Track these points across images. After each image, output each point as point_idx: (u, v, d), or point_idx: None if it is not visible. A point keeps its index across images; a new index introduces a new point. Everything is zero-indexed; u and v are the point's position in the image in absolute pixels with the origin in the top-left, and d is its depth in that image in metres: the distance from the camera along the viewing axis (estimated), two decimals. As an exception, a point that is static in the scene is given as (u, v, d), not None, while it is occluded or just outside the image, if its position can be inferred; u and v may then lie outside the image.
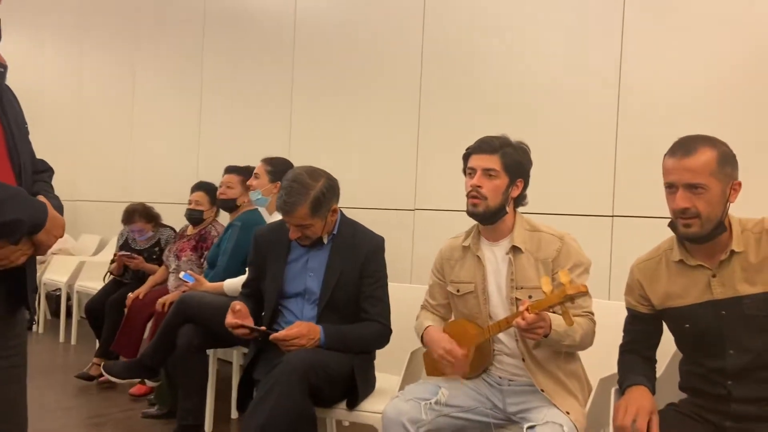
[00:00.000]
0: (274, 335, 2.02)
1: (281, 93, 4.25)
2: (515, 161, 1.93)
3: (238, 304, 2.11)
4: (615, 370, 1.94)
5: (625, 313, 1.93)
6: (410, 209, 3.45)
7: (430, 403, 1.86)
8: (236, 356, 3.45)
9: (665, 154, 1.68)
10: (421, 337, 2.06)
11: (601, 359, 2.04)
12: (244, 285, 2.39)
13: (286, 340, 2.01)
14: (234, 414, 3.32)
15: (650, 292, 1.79)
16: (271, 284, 2.22)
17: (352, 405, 2.10)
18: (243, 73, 4.60)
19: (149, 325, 3.66)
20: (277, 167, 3.07)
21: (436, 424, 1.86)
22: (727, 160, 1.62)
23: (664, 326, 1.85)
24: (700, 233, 1.61)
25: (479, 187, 1.90)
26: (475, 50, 3.20)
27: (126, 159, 5.76)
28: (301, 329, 2.04)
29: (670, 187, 1.64)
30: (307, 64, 4.11)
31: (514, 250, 1.93)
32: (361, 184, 3.70)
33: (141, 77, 5.67)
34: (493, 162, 1.91)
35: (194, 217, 3.73)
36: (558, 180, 2.84)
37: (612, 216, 2.71)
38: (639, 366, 1.80)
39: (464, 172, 2.01)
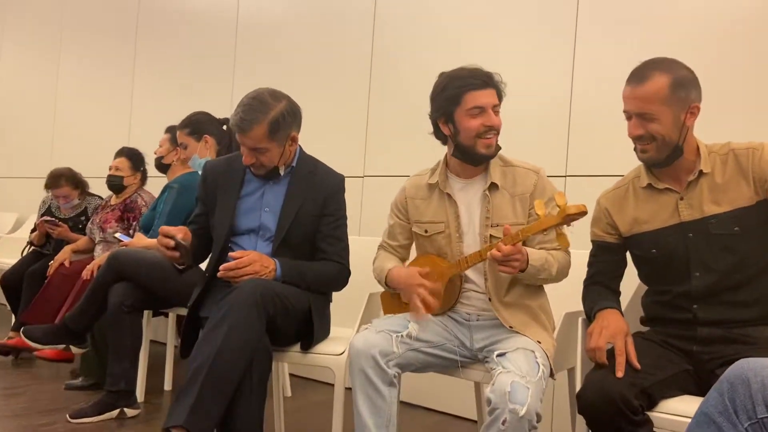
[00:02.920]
0: (224, 265, 1.85)
1: (222, 59, 4.09)
2: (503, 93, 1.88)
3: (180, 232, 1.93)
4: (575, 309, 1.91)
5: (581, 260, 1.92)
6: (359, 176, 3.37)
7: (401, 335, 1.76)
8: (171, 328, 3.24)
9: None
10: (384, 279, 1.96)
11: (560, 299, 2.02)
12: (190, 222, 2.19)
13: (238, 268, 1.84)
14: (168, 386, 3.11)
15: (618, 220, 1.78)
16: (221, 219, 2.04)
17: (307, 346, 1.97)
18: (181, 40, 4.40)
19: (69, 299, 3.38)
20: (194, 124, 2.91)
21: (405, 358, 1.76)
22: (681, 84, 1.60)
23: (628, 260, 1.85)
24: (657, 158, 1.64)
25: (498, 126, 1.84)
26: (427, 17, 3.17)
27: (49, 132, 5.39)
28: (252, 256, 1.88)
29: (626, 114, 1.65)
30: (252, 31, 3.96)
31: (492, 186, 1.87)
32: (309, 152, 3.58)
33: (68, 48, 5.33)
34: (496, 97, 1.84)
35: (114, 183, 3.47)
36: (513, 141, 2.82)
37: (565, 176, 2.72)
38: (606, 294, 1.78)
39: (450, 111, 1.83)
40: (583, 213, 1.62)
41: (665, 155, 1.63)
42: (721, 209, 1.61)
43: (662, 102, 1.59)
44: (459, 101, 1.81)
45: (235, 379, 1.63)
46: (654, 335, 1.72)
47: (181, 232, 1.92)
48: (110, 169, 3.49)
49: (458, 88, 1.81)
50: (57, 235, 3.69)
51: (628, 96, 1.64)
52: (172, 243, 1.90)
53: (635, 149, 1.69)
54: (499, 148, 1.87)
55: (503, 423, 1.48)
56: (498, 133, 1.85)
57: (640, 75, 1.62)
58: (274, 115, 1.94)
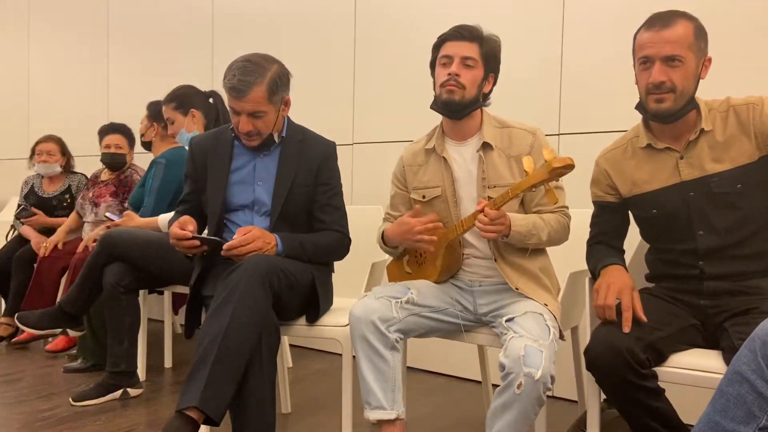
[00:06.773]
0: (227, 244, 1.81)
1: (201, 27, 3.97)
2: (492, 53, 1.85)
3: (190, 223, 1.88)
4: (580, 269, 1.92)
5: (584, 220, 1.91)
6: (349, 144, 3.33)
7: (401, 301, 1.75)
8: (167, 305, 3.22)
9: (639, 29, 1.64)
10: (383, 240, 1.94)
11: (564, 259, 2.02)
12: (180, 201, 2.14)
13: (241, 246, 1.81)
14: (168, 363, 3.09)
15: (617, 181, 1.77)
16: (213, 196, 1.99)
17: (313, 319, 1.96)
18: (156, 12, 4.25)
19: (63, 280, 3.34)
20: (180, 98, 2.82)
21: (406, 323, 1.75)
22: (701, 33, 1.60)
23: (631, 218, 1.85)
24: (673, 108, 1.59)
25: (457, 75, 1.79)
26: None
27: (24, 113, 5.23)
28: (254, 232, 1.84)
29: (645, 62, 1.60)
30: (229, -3, 3.84)
31: (485, 146, 1.84)
32: (296, 122, 3.52)
33: (36, 25, 5.14)
34: (471, 50, 1.81)
35: (119, 161, 3.42)
36: (504, 101, 2.79)
37: (559, 134, 2.70)
38: (610, 252, 1.78)
39: (433, 63, 1.89)
40: (570, 166, 1.57)
41: (680, 107, 1.59)
42: (723, 167, 1.60)
43: (689, 47, 1.56)
44: (438, 51, 1.86)
45: (246, 356, 1.61)
46: (660, 291, 1.73)
47: (191, 225, 1.87)
48: (108, 147, 3.42)
49: (440, 38, 1.87)
50: (35, 224, 3.65)
51: (652, 40, 1.57)
52: (197, 243, 1.85)
53: (643, 103, 1.63)
54: (466, 97, 1.80)
55: (518, 387, 1.48)
56: (457, 84, 1.79)
57: (664, 20, 1.58)
58: (271, 76, 1.89)
